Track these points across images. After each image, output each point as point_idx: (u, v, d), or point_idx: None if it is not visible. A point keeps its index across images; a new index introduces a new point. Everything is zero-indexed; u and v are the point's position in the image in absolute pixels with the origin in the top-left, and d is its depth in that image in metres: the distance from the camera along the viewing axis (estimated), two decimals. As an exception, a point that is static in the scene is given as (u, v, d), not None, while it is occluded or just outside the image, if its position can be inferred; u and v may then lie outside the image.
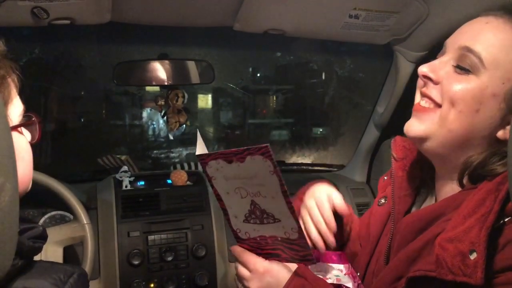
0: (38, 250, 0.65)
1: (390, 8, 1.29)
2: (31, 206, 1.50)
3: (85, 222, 1.38)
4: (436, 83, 0.76)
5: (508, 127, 0.73)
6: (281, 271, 0.82)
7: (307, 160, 3.45)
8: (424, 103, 0.78)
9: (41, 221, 1.47)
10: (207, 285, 1.52)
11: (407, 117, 0.82)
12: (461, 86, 0.73)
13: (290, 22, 1.36)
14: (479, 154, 0.74)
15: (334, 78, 3.59)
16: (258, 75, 3.87)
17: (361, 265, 0.95)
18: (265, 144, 0.69)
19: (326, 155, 3.49)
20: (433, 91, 0.76)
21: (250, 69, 3.79)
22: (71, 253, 1.46)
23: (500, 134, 0.73)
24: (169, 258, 1.51)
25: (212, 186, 0.82)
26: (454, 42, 0.77)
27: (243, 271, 0.85)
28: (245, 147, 0.72)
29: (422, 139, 0.78)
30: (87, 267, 1.34)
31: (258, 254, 0.85)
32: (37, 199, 1.50)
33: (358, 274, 0.94)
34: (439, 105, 0.75)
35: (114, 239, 1.49)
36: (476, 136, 0.74)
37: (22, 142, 0.70)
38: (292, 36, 1.45)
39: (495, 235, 0.66)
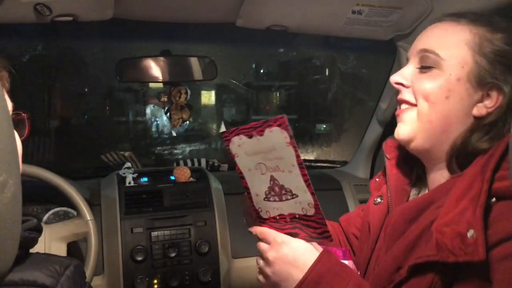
0: (34, 241, 0.65)
1: (393, 4, 1.28)
2: (35, 202, 1.51)
3: (89, 218, 1.39)
4: (407, 87, 0.86)
5: (479, 105, 0.79)
6: (300, 244, 0.82)
7: (310, 157, 3.44)
8: (403, 106, 0.87)
9: (45, 217, 1.48)
10: (210, 281, 1.53)
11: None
12: (428, 81, 0.82)
13: (293, 18, 1.35)
14: (461, 136, 0.80)
15: (337, 74, 3.57)
16: (261, 71, 3.85)
17: (362, 263, 0.95)
18: (281, 115, 0.72)
19: (329, 152, 3.49)
20: (407, 94, 0.86)
21: (253, 66, 3.77)
22: (75, 249, 1.46)
23: (475, 112, 0.80)
24: (173, 254, 1.51)
25: (235, 164, 0.83)
26: (413, 49, 0.87)
27: (262, 244, 0.86)
28: (264, 120, 0.74)
29: (410, 140, 0.85)
30: (91, 263, 1.35)
31: None
32: (40, 196, 1.50)
33: (359, 273, 0.94)
34: (415, 105, 0.84)
35: (117, 235, 1.50)
36: (454, 120, 0.81)
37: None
38: (294, 32, 1.45)
39: (485, 214, 0.68)
